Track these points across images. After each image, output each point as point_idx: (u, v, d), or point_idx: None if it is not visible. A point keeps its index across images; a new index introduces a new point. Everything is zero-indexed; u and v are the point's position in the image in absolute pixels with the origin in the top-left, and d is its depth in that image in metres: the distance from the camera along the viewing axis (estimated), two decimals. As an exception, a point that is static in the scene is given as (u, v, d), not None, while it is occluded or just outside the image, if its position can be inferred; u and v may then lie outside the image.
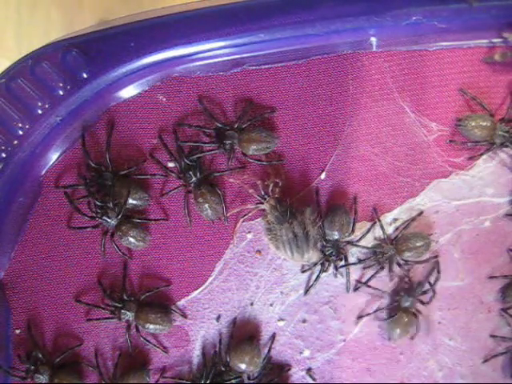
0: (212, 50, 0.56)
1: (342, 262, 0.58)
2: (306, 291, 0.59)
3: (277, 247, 0.57)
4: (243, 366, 0.58)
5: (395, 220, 0.59)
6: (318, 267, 0.59)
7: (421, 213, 0.59)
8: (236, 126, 0.57)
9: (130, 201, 0.58)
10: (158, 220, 0.59)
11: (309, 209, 0.57)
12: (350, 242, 0.59)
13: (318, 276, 0.59)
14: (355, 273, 0.59)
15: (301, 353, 0.60)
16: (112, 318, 0.59)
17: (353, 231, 0.58)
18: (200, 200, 0.58)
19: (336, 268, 0.58)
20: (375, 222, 0.59)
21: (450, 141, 0.58)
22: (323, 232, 0.58)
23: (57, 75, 0.55)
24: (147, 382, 0.59)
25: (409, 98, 0.58)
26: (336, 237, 0.58)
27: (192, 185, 0.58)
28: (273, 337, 0.60)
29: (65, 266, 0.59)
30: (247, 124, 0.57)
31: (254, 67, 0.58)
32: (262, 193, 0.58)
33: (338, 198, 0.59)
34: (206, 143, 0.58)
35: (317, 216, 0.57)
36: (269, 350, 0.59)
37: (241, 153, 0.58)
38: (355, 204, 0.59)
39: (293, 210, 0.57)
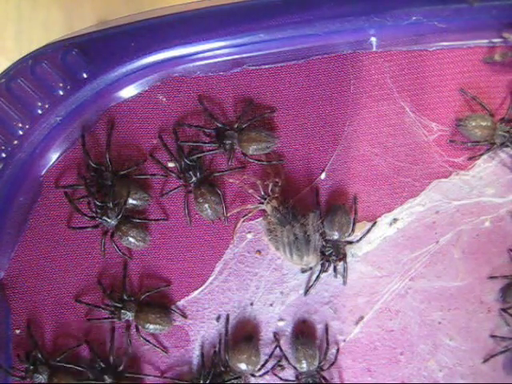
0: (212, 50, 0.56)
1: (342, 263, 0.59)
2: (306, 291, 0.59)
3: (276, 248, 0.57)
4: (242, 366, 0.58)
5: (395, 220, 0.59)
6: (318, 267, 0.59)
7: (375, 223, 0.59)
8: (236, 126, 0.57)
9: (130, 201, 0.58)
10: (157, 220, 0.59)
11: (313, 214, 0.57)
12: (350, 242, 0.59)
13: (318, 276, 0.59)
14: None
15: (301, 353, 0.60)
16: (112, 318, 0.59)
17: (353, 231, 0.58)
18: (200, 200, 0.57)
19: (335, 268, 0.58)
20: (375, 222, 0.59)
21: (451, 141, 0.58)
22: (323, 232, 0.58)
23: (57, 75, 0.55)
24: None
25: (409, 97, 0.58)
26: (336, 237, 0.58)
27: (192, 185, 0.58)
28: (277, 339, 0.60)
29: (65, 266, 0.59)
30: (247, 124, 0.57)
31: (253, 67, 0.58)
32: (262, 193, 0.58)
33: (338, 198, 0.59)
34: (206, 143, 0.58)
35: (319, 219, 0.57)
36: (271, 354, 0.60)
37: (241, 153, 0.58)
38: (355, 204, 0.59)
39: (295, 213, 0.57)
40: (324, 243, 0.58)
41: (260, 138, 0.57)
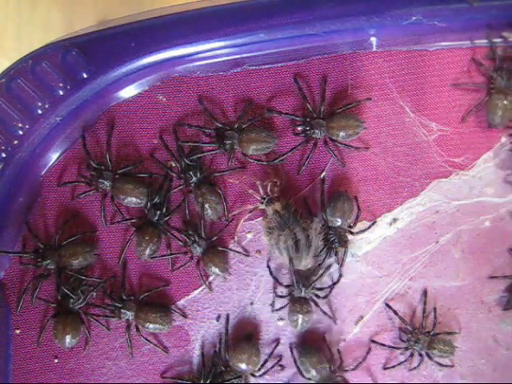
0: (212, 50, 0.56)
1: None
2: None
3: (273, 250, 0.57)
4: (242, 365, 0.58)
5: (395, 220, 0.59)
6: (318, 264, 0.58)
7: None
8: (236, 126, 0.57)
9: (131, 199, 0.57)
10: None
11: (316, 220, 0.57)
12: (351, 232, 0.58)
13: (324, 263, 0.58)
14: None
15: (301, 353, 0.60)
16: (112, 317, 0.59)
17: (356, 222, 0.58)
18: (200, 200, 0.57)
19: (336, 253, 0.58)
20: (375, 222, 0.59)
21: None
22: (325, 219, 0.57)
23: (57, 75, 0.55)
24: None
25: (409, 97, 0.58)
26: (338, 223, 0.58)
27: (192, 185, 0.58)
28: (277, 342, 0.60)
29: (65, 266, 0.59)
30: (247, 124, 0.57)
31: (254, 67, 0.58)
32: (262, 193, 0.58)
33: (338, 198, 0.59)
34: (206, 143, 0.58)
35: (322, 222, 0.58)
36: (270, 353, 0.60)
37: (241, 153, 0.58)
38: (356, 202, 0.59)
39: (297, 216, 0.57)
40: (327, 230, 0.58)
41: (260, 138, 0.57)
